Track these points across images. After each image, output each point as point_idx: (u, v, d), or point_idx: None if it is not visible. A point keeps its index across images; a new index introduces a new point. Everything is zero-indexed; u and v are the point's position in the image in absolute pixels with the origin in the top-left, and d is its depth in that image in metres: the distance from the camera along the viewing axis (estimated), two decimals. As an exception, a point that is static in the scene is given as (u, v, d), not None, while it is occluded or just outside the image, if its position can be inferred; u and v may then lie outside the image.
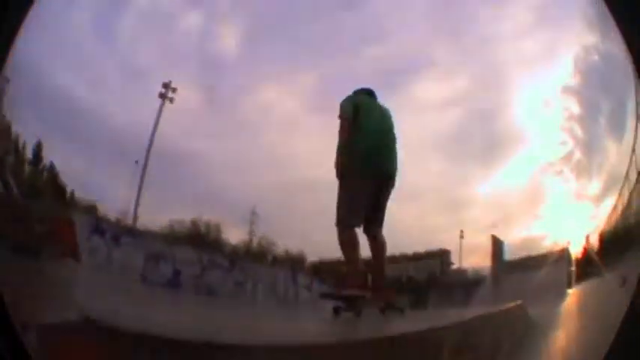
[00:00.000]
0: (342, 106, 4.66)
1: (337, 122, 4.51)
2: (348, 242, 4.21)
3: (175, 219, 12.57)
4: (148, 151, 12.36)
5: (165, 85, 11.58)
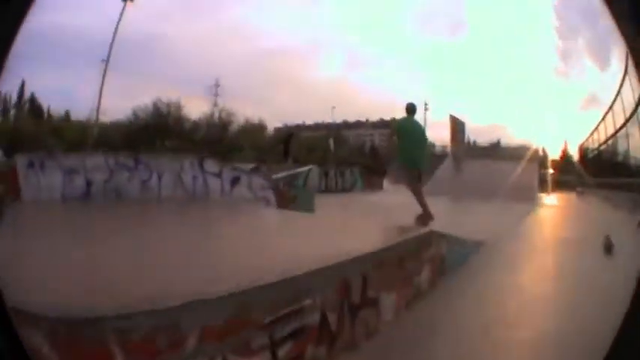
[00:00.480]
0: (391, 126, 10.09)
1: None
2: (412, 189, 7.62)
3: (138, 105, 19.25)
4: (111, 46, 17.07)
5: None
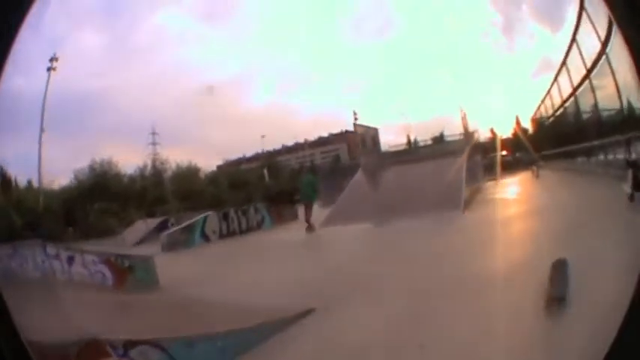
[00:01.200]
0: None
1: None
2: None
3: (77, 168, 17.08)
4: (42, 115, 14.23)
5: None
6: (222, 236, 15.60)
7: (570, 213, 8.55)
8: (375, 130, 18.02)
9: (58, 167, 20.19)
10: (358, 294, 6.61)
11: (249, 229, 16.66)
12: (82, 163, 20.17)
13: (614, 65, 9.54)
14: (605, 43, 9.33)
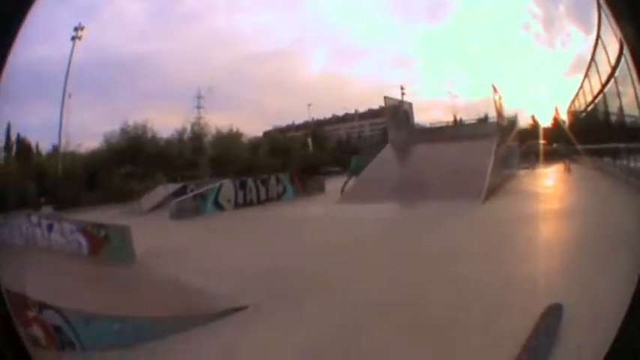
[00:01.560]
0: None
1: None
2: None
3: (108, 131, 18.63)
4: (66, 79, 17.09)
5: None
6: (237, 206, 15.11)
7: (590, 228, 7.59)
8: (409, 104, 16.80)
9: (90, 132, 20.84)
10: (303, 294, 5.95)
11: (268, 200, 16.10)
12: (114, 126, 20.62)
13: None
14: (621, 45, 8.17)
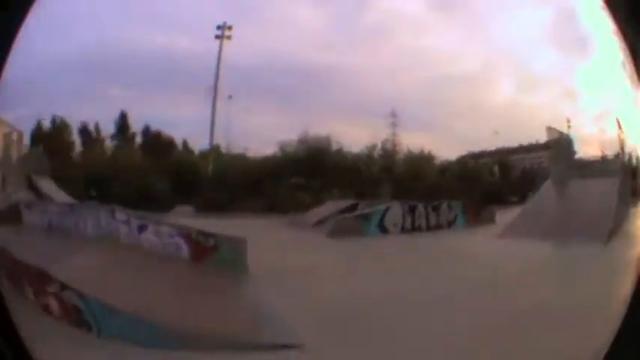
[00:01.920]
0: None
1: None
2: None
3: (284, 140, 17.69)
4: (216, 80, 17.80)
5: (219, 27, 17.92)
6: (404, 230, 14.93)
7: None
8: (569, 137, 16.05)
9: (262, 137, 20.65)
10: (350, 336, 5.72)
11: (438, 227, 15.71)
12: (291, 135, 20.17)
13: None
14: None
